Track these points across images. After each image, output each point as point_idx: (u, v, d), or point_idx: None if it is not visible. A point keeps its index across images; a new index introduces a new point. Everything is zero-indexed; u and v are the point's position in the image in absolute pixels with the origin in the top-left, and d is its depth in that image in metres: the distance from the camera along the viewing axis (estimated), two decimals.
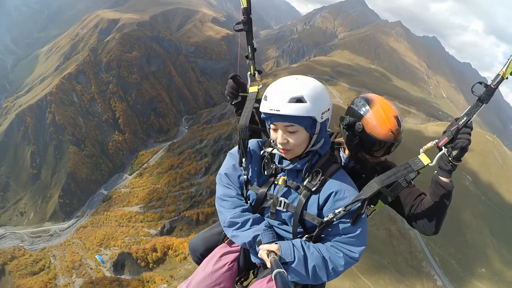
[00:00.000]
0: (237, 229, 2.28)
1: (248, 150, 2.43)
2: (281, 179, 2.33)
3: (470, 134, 2.04)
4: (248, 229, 2.25)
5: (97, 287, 59.57)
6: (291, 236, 2.32)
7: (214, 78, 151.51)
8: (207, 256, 2.61)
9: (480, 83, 2.02)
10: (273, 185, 2.37)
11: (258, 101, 2.64)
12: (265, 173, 2.40)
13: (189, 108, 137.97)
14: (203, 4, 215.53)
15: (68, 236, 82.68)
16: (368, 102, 2.53)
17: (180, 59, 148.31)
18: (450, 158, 2.10)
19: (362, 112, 2.50)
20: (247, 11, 2.68)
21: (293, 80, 2.10)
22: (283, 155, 2.25)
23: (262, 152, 2.46)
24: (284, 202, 2.28)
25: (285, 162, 2.30)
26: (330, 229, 2.22)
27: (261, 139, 2.59)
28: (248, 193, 2.45)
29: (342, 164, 2.76)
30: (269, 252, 2.01)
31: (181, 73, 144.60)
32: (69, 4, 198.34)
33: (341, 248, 2.18)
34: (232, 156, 2.54)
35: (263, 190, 2.37)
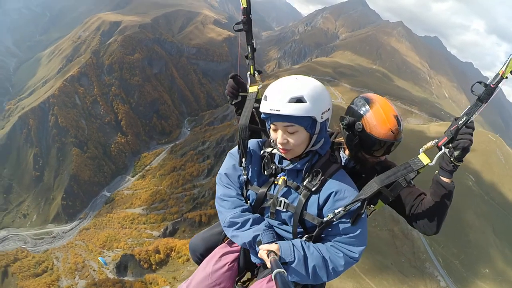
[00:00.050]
0: (237, 229, 2.28)
1: (248, 150, 2.43)
2: (281, 179, 2.33)
3: (472, 134, 2.03)
4: (248, 229, 2.25)
5: None
6: (291, 236, 2.32)
7: (216, 79, 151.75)
8: (207, 256, 2.62)
9: (480, 82, 2.01)
10: (273, 185, 2.37)
11: (258, 101, 2.64)
12: (265, 173, 2.40)
13: (191, 110, 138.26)
14: (205, 6, 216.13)
15: (71, 238, 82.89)
16: (368, 101, 2.53)
17: (182, 61, 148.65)
18: (452, 159, 2.10)
19: (362, 112, 2.50)
20: (247, 11, 2.69)
21: (293, 80, 2.09)
22: (283, 155, 2.24)
23: (262, 152, 2.45)
24: (284, 202, 2.28)
25: (285, 162, 2.30)
26: (330, 229, 2.22)
27: (261, 139, 2.59)
28: (248, 193, 2.44)
29: (342, 164, 2.75)
30: (269, 252, 2.01)
31: (183, 75, 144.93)
32: (71, 7, 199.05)
33: (341, 248, 2.18)
34: (232, 156, 2.54)
35: (263, 190, 2.37)
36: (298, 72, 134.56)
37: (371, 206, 2.47)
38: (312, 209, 2.23)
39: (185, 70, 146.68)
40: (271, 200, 2.32)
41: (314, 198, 2.23)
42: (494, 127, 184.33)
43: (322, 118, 2.11)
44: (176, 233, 75.01)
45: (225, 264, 2.48)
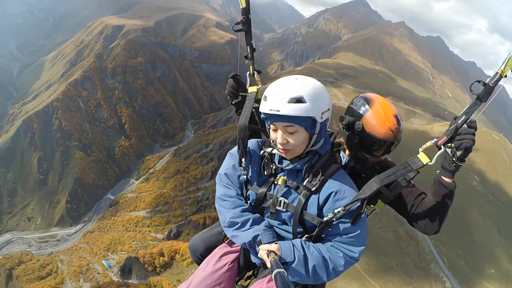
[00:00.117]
0: (237, 229, 2.28)
1: (247, 150, 2.43)
2: (281, 179, 2.32)
3: (474, 134, 2.03)
4: (248, 229, 2.25)
5: None
6: (291, 236, 2.32)
7: (219, 82, 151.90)
8: (207, 256, 2.62)
9: (479, 81, 2.01)
10: (273, 185, 2.37)
11: (258, 101, 2.65)
12: (265, 173, 2.40)
13: (194, 113, 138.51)
14: (207, 9, 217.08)
15: (75, 241, 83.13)
16: (368, 101, 2.53)
17: (185, 64, 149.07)
18: (454, 159, 2.10)
19: (361, 112, 2.50)
20: (246, 11, 2.69)
21: (293, 80, 2.09)
22: (283, 155, 2.24)
23: (262, 152, 2.45)
24: (284, 202, 2.28)
25: (285, 162, 2.30)
26: (330, 229, 2.21)
27: (261, 139, 2.59)
28: (248, 193, 2.44)
29: (342, 164, 2.75)
30: (269, 252, 2.00)
31: (186, 78, 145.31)
32: (73, 11, 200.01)
33: (341, 248, 2.18)
34: (231, 156, 2.54)
35: (262, 190, 2.36)
36: (300, 73, 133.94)
37: (371, 205, 2.46)
38: (312, 209, 2.23)
39: (188, 73, 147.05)
40: (271, 200, 2.32)
41: (314, 198, 2.22)
42: (498, 126, 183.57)
43: (322, 118, 2.10)
44: (180, 236, 75.09)
45: (225, 264, 2.48)
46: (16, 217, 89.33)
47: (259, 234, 2.19)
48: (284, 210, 2.28)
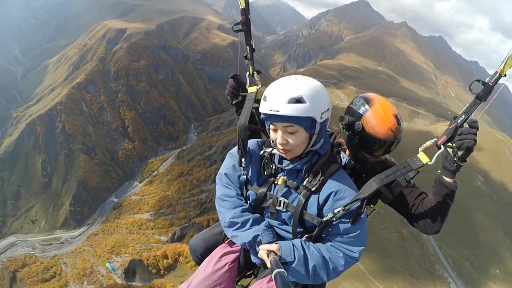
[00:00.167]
0: (237, 229, 2.28)
1: (247, 150, 2.43)
2: (280, 179, 2.32)
3: (476, 134, 2.02)
4: (248, 229, 2.24)
5: None
6: (291, 236, 2.31)
7: (221, 85, 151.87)
8: (207, 256, 2.62)
9: (478, 80, 2.01)
10: (273, 185, 2.37)
11: (258, 101, 2.65)
12: (265, 173, 2.40)
13: (197, 115, 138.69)
14: (209, 12, 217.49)
15: (79, 243, 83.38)
16: (368, 101, 2.53)
17: (188, 67, 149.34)
18: (455, 159, 2.10)
19: (361, 111, 2.51)
20: (246, 12, 2.71)
21: (292, 80, 2.08)
22: (283, 155, 2.24)
23: (262, 152, 2.45)
24: (284, 202, 2.27)
25: (285, 162, 2.29)
26: (330, 229, 2.21)
27: (261, 139, 2.59)
28: (248, 193, 2.44)
29: (343, 164, 2.76)
30: (269, 252, 2.00)
31: (189, 80, 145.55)
32: (76, 15, 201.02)
33: (341, 248, 2.18)
34: (231, 156, 2.54)
35: (262, 190, 2.36)
36: (302, 75, 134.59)
37: (371, 205, 2.46)
38: (312, 209, 2.23)
39: (190, 76, 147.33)
40: (271, 200, 2.32)
41: (314, 198, 2.22)
42: (502, 126, 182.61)
43: (321, 118, 2.10)
44: (184, 238, 75.01)
45: (225, 264, 2.48)
46: (20, 219, 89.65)
47: (259, 234, 2.19)
48: (284, 210, 2.28)
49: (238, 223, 2.27)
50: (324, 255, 2.13)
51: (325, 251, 2.15)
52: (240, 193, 2.46)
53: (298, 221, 2.24)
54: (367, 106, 2.51)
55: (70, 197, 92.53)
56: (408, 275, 49.15)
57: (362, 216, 2.14)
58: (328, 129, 2.52)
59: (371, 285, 43.96)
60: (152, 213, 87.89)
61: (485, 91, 1.97)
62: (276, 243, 2.10)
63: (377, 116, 2.44)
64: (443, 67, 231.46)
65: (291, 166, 2.26)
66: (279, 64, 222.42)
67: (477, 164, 73.36)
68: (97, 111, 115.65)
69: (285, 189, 2.30)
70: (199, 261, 2.73)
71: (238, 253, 2.56)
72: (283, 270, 1.73)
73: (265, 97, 2.09)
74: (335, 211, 2.11)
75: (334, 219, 2.13)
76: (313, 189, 2.20)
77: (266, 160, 2.41)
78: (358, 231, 2.17)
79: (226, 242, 2.67)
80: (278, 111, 1.98)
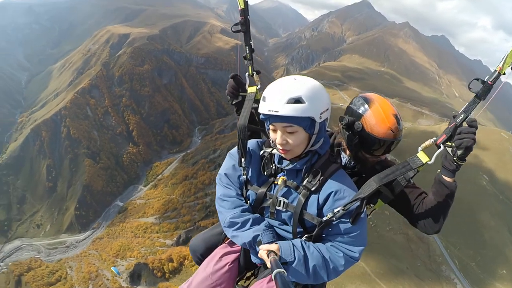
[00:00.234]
0: (237, 229, 2.28)
1: (247, 150, 2.43)
2: (280, 179, 2.32)
3: (474, 133, 2.02)
4: (248, 229, 2.24)
5: None
6: (291, 236, 2.31)
7: (225, 88, 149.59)
8: (207, 256, 2.62)
9: (477, 79, 2.03)
10: (273, 185, 2.37)
11: (257, 101, 2.66)
12: (265, 173, 2.41)
13: (201, 119, 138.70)
14: (212, 16, 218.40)
15: (84, 247, 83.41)
16: (367, 101, 2.54)
17: (191, 71, 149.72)
18: (455, 158, 2.11)
19: (361, 111, 2.51)
20: (245, 12, 2.75)
21: (291, 80, 2.09)
22: (282, 155, 2.24)
23: (261, 152, 2.45)
24: (284, 202, 2.27)
25: (285, 162, 2.29)
26: (330, 229, 2.21)
27: (260, 139, 2.59)
28: (248, 193, 2.44)
29: (343, 164, 2.76)
30: (269, 252, 2.00)
31: (193, 84, 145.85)
32: (80, 21, 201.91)
33: (341, 248, 2.17)
34: (231, 156, 2.55)
35: (262, 190, 2.36)
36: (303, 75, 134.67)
37: (371, 205, 2.45)
38: (311, 208, 2.23)
39: (194, 80, 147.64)
40: (271, 200, 2.32)
41: (313, 197, 2.23)
42: (507, 125, 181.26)
43: (320, 118, 2.10)
44: (189, 242, 74.81)
45: (225, 265, 2.48)
46: (26, 224, 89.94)
47: (259, 234, 2.19)
48: (284, 210, 2.28)
49: (238, 223, 2.28)
50: (324, 255, 2.13)
51: (325, 251, 2.15)
52: (240, 193, 2.46)
53: (298, 221, 2.25)
54: (366, 106, 2.51)
55: (75, 201, 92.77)
56: (414, 276, 48.86)
57: (362, 215, 2.15)
58: (328, 129, 2.55)
59: (377, 287, 43.70)
60: (157, 217, 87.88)
61: (484, 89, 1.98)
62: (276, 243, 2.10)
63: (376, 116, 2.45)
64: (446, 67, 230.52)
65: (290, 166, 2.27)
66: (282, 66, 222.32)
67: (482, 163, 72.95)
68: (101, 116, 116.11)
69: (285, 189, 2.31)
70: (199, 261, 2.73)
71: (238, 253, 2.56)
72: (283, 270, 1.72)
73: (264, 97, 2.09)
74: (335, 210, 2.11)
75: (334, 219, 2.14)
76: (313, 189, 2.21)
77: (266, 160, 2.42)
78: (358, 231, 2.17)
79: (226, 242, 2.67)
80: (277, 112, 1.98)
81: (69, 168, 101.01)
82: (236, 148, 2.49)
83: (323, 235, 2.27)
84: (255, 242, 2.20)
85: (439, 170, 2.26)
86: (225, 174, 2.50)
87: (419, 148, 2.22)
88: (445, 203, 2.27)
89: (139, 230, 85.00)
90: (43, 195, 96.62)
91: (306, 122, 2.07)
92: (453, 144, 2.09)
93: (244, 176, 2.43)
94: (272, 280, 1.76)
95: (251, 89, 2.79)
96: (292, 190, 2.29)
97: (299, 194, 2.25)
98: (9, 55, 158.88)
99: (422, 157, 2.15)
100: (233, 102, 2.89)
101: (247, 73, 2.87)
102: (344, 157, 2.79)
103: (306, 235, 2.27)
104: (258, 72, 2.89)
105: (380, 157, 2.65)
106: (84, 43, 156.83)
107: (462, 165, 2.13)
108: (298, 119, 2.03)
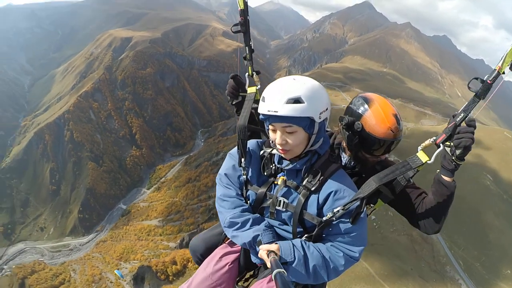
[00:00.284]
0: (237, 229, 2.27)
1: (247, 150, 2.43)
2: (280, 179, 2.32)
3: (473, 133, 2.03)
4: (248, 229, 2.24)
5: None
6: (291, 236, 2.31)
7: None
8: (207, 256, 2.62)
9: (476, 78, 2.04)
10: (272, 185, 2.37)
11: (257, 101, 2.66)
12: (265, 173, 2.41)
13: (204, 122, 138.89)
14: (213, 19, 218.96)
15: (88, 250, 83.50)
16: (367, 101, 2.54)
17: (193, 74, 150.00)
18: (453, 157, 2.11)
19: (361, 111, 2.51)
20: (244, 13, 2.77)
21: (291, 80, 2.09)
22: (282, 155, 2.25)
23: (261, 152, 2.45)
24: (284, 202, 2.27)
25: (285, 162, 2.30)
26: (330, 229, 2.21)
27: (260, 140, 2.60)
28: (248, 193, 2.44)
29: (343, 164, 2.76)
30: (269, 252, 2.00)
31: (195, 87, 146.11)
32: (82, 25, 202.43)
33: (341, 248, 2.17)
34: (231, 156, 2.54)
35: (262, 190, 2.36)
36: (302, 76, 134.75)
37: (371, 205, 2.45)
38: (311, 208, 2.23)
39: (196, 83, 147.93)
40: (271, 200, 2.32)
41: (313, 197, 2.23)
42: (510, 124, 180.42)
43: (320, 118, 2.10)
44: None
45: (225, 265, 2.48)
46: (29, 227, 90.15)
47: (259, 234, 2.19)
48: (284, 210, 2.28)
49: (238, 223, 2.28)
50: (324, 254, 2.13)
51: (325, 250, 2.15)
52: (240, 193, 2.47)
53: (298, 221, 2.25)
54: (366, 106, 2.52)
55: (78, 204, 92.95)
56: (419, 277, 48.58)
57: (362, 215, 2.15)
58: (328, 129, 2.55)
59: None
60: (161, 220, 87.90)
61: (484, 89, 1.98)
62: (276, 243, 2.10)
63: (376, 116, 2.45)
64: (448, 67, 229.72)
65: (290, 166, 2.27)
66: (284, 68, 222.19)
67: (485, 162, 72.51)
68: (104, 119, 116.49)
69: (285, 189, 2.31)
70: (199, 262, 2.73)
71: (238, 254, 2.57)
72: (283, 270, 1.71)
73: (263, 97, 2.10)
74: (335, 210, 2.11)
75: (334, 218, 2.14)
76: (312, 188, 2.21)
77: (265, 160, 2.42)
78: (358, 231, 2.17)
79: (226, 242, 2.68)
80: (277, 112, 1.99)
81: (73, 171, 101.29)
82: (236, 148, 2.50)
83: (323, 235, 2.27)
84: (255, 242, 2.20)
85: (438, 170, 2.27)
86: (225, 174, 2.51)
87: (419, 148, 2.23)
88: (445, 203, 2.27)
89: (143, 233, 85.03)
90: (46, 198, 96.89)
91: (306, 122, 2.06)
92: (452, 144, 2.09)
93: (244, 176, 2.43)
94: (272, 280, 1.76)
95: (251, 90, 2.80)
96: (292, 190, 2.29)
97: (299, 194, 2.25)
98: (11, 60, 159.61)
99: (422, 156, 2.16)
100: (233, 103, 2.88)
101: (246, 74, 2.87)
102: (344, 157, 2.78)
103: (306, 235, 2.27)
104: (258, 73, 2.89)
105: (380, 157, 2.65)
106: (86, 47, 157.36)
107: (461, 164, 2.15)
108: (297, 119, 2.02)
